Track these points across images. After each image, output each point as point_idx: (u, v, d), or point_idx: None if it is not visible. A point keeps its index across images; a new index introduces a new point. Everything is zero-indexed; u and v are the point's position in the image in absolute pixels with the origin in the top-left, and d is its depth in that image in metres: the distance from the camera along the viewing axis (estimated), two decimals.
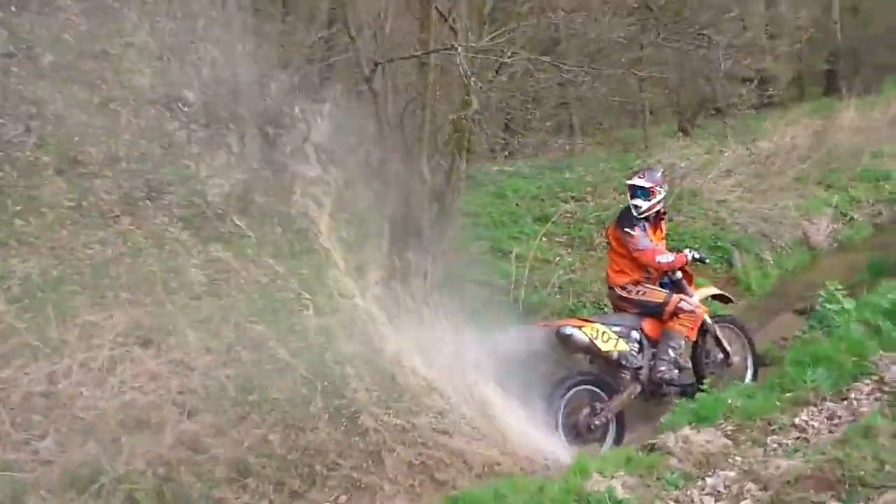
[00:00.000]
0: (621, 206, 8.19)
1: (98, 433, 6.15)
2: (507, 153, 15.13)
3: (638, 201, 7.38)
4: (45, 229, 9.04)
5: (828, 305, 7.73)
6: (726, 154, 13.58)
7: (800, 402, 6.21)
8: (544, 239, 10.73)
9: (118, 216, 9.78)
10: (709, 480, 5.27)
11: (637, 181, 7.45)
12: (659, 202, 7.51)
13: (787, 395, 6.35)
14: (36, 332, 7.15)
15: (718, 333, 7.77)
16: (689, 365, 7.65)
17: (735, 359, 7.86)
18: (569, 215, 11.53)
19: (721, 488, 5.08)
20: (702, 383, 7.15)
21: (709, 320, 7.70)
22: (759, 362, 8.02)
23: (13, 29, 10.79)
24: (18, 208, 9.09)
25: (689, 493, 5.14)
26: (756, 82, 15.41)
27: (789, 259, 11.97)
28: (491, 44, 7.94)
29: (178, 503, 5.86)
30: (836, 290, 7.83)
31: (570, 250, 10.43)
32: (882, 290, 7.88)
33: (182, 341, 7.38)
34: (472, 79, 7.07)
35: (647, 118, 16.54)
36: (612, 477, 5.27)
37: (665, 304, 7.31)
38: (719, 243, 11.28)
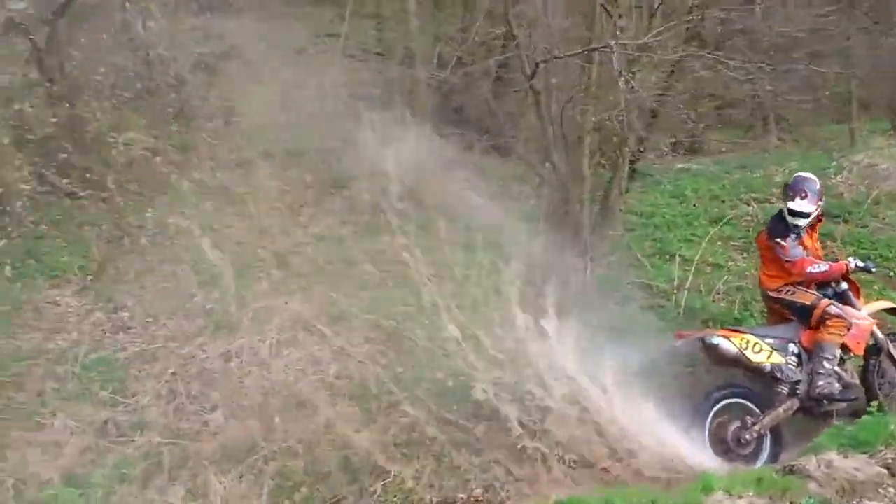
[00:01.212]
0: None
1: (259, 411, 6.79)
2: (687, 150, 14.80)
3: (798, 220, 7.04)
4: (236, 217, 10.07)
5: None
6: None
7: None
8: (718, 242, 10.43)
9: (301, 206, 10.73)
10: None
11: (799, 206, 6.94)
12: (817, 214, 7.19)
13: None
14: (218, 313, 8.15)
15: (893, 350, 7.16)
16: (857, 381, 7.28)
17: None
18: (748, 218, 11.11)
19: None
20: (871, 404, 6.64)
21: (880, 335, 7.09)
22: None
23: (217, 31, 11.97)
24: (213, 199, 10.21)
25: None
26: None
27: None
28: (651, 40, 7.68)
29: (322, 483, 6.31)
30: None
31: (744, 255, 10.04)
32: None
33: (345, 329, 7.94)
34: (622, 78, 7.02)
35: (855, 113, 15.53)
36: (739, 497, 5.07)
37: (813, 307, 6.87)
38: None
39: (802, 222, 6.95)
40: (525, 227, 9.17)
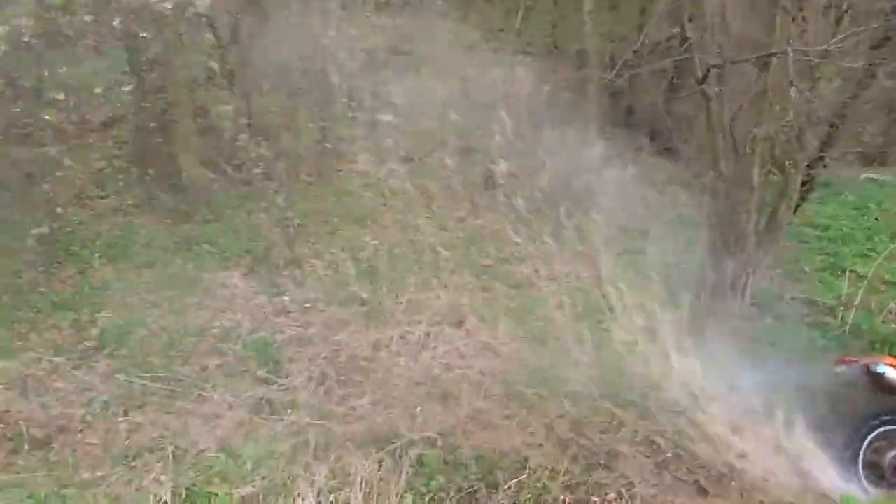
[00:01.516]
0: None
1: (403, 400, 6.88)
2: (875, 161, 13.87)
3: None
4: (396, 210, 10.27)
5: None
6: None
7: None
8: None
9: (461, 202, 10.79)
10: None
11: None
12: None
13: None
14: (372, 303, 8.32)
15: None
16: None
17: None
18: None
19: None
20: None
21: None
22: None
23: (389, 26, 12.19)
24: (375, 190, 10.44)
25: None
26: None
27: None
28: (833, 46, 7.08)
29: (458, 474, 6.23)
30: None
31: None
32: None
33: (493, 326, 7.97)
34: (794, 87, 6.60)
35: None
36: None
37: None
38: None
39: None
40: (687, 234, 8.95)
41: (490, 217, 10.31)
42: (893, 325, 8.41)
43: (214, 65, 9.14)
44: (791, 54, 6.81)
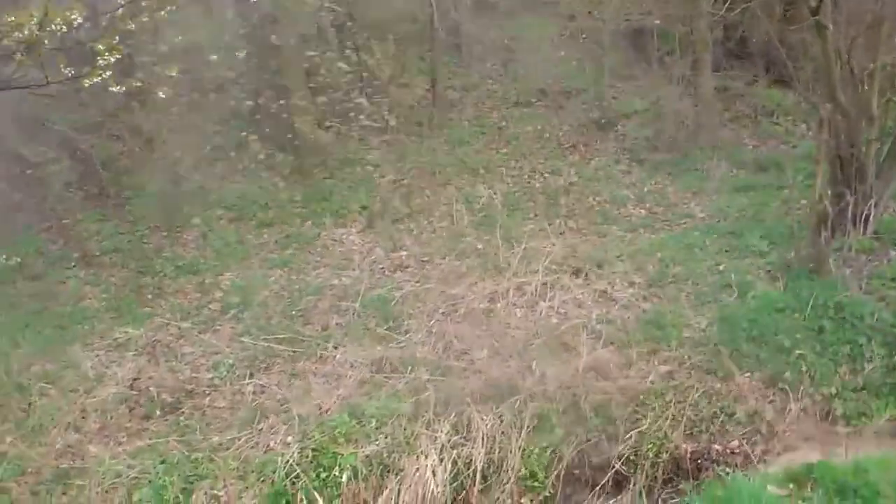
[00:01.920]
0: None
1: (521, 352, 6.65)
2: None
3: None
4: (509, 158, 9.93)
5: None
6: None
7: None
8: None
9: (573, 146, 10.37)
10: None
11: None
12: None
13: None
14: (488, 254, 8.04)
15: None
16: None
17: None
18: None
19: None
20: None
21: None
22: None
23: None
24: (488, 139, 10.12)
25: None
26: None
27: None
28: None
29: (578, 425, 6.07)
30: None
31: None
32: None
33: (609, 273, 7.60)
34: None
35: None
36: None
37: None
38: None
39: None
40: (805, 167, 8.48)
41: (604, 159, 9.88)
42: None
43: (326, 20, 8.88)
44: None
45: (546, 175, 9.54)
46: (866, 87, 7.43)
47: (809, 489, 4.48)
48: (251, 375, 6.40)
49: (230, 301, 7.30)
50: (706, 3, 10.35)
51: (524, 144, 9.99)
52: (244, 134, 8.71)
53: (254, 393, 6.23)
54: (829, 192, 7.51)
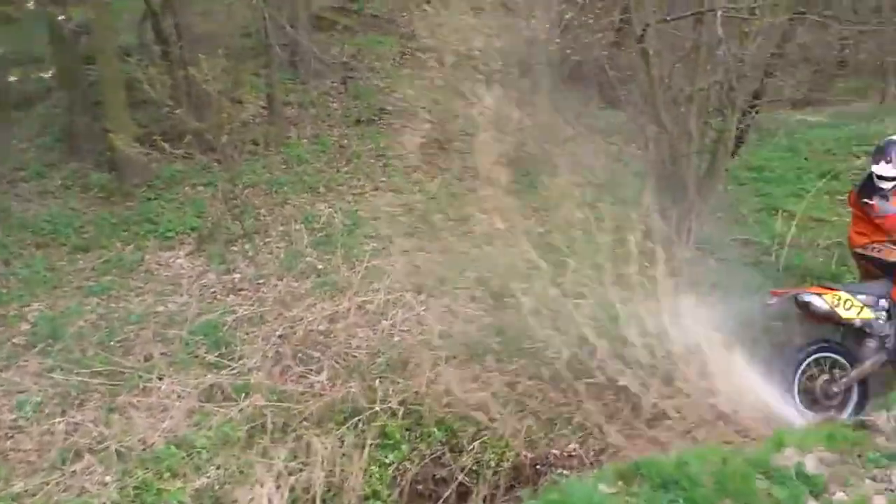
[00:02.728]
0: None
1: (363, 372, 6.47)
2: (806, 103, 13.89)
3: (882, 184, 6.53)
4: (351, 176, 9.73)
5: None
6: None
7: None
8: (826, 196, 9.56)
9: (416, 165, 10.32)
10: None
11: (880, 170, 6.52)
12: None
13: None
14: (328, 273, 7.82)
15: None
16: None
17: None
18: (856, 172, 10.13)
19: None
20: None
21: None
22: None
23: None
24: (329, 157, 9.91)
25: (888, 473, 4.61)
26: None
27: None
28: (755, 4, 7.22)
29: (422, 441, 6.03)
30: None
31: (850, 210, 9.21)
32: None
33: (451, 289, 7.55)
34: (721, 47, 6.52)
35: None
36: (809, 452, 4.80)
37: None
38: None
39: (887, 185, 6.61)
40: (634, 183, 8.70)
41: (447, 178, 9.87)
42: (821, 260, 8.41)
43: (148, 32, 8.46)
44: (720, 12, 6.88)
45: (388, 194, 9.42)
46: (685, 110, 7.84)
47: (637, 485, 4.49)
48: (63, 413, 5.85)
49: (38, 333, 6.70)
50: (543, 27, 10.68)
51: (366, 163, 9.84)
52: (54, 152, 8.14)
53: (66, 432, 5.68)
54: (656, 207, 7.88)
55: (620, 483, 4.51)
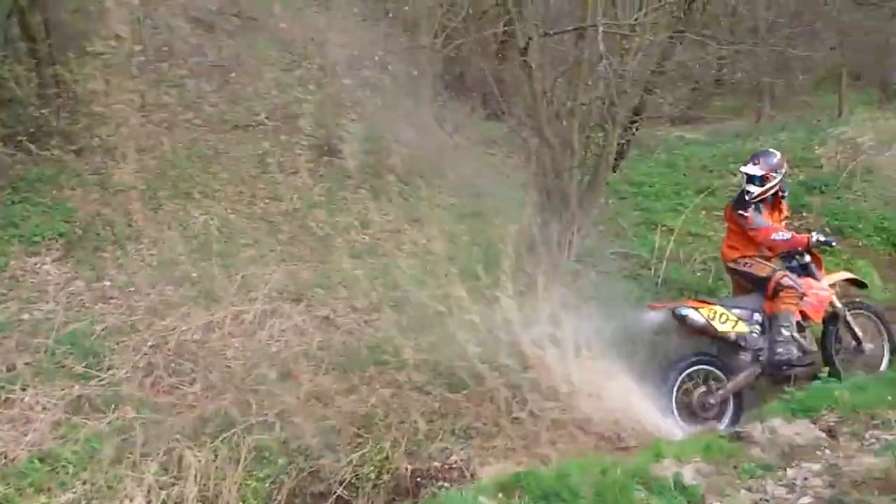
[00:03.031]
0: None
1: (239, 383, 6.39)
2: (684, 120, 14.52)
3: (751, 187, 7.05)
4: (227, 183, 9.57)
5: None
6: None
7: None
8: (703, 212, 10.13)
9: (296, 172, 10.23)
10: (789, 472, 4.95)
11: (750, 169, 7.07)
12: (774, 186, 7.10)
13: None
14: (203, 282, 7.67)
15: (850, 319, 7.27)
16: (815, 348, 7.17)
17: (869, 346, 7.28)
18: (733, 188, 10.76)
19: (798, 481, 4.79)
20: (822, 371, 6.81)
21: (838, 304, 7.25)
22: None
23: None
24: (205, 162, 9.70)
25: (763, 483, 4.85)
26: None
27: None
28: (639, 21, 7.53)
29: (299, 454, 5.99)
30: None
31: (726, 225, 9.76)
32: None
33: (331, 298, 7.56)
34: (605, 60, 6.75)
35: (843, 87, 15.05)
36: (687, 462, 5.03)
37: (768, 278, 6.96)
38: (886, 224, 10.01)
39: (753, 189, 7.06)
40: (517, 196, 8.85)
41: (328, 186, 9.84)
42: (699, 274, 8.81)
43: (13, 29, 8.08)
44: (602, 28, 7.06)
45: (267, 200, 9.31)
46: (568, 124, 8.01)
47: (517, 497, 4.60)
48: None
49: None
50: (426, 37, 10.82)
51: (244, 169, 9.69)
52: None
53: None
54: (538, 219, 8.07)
55: (501, 495, 4.61)
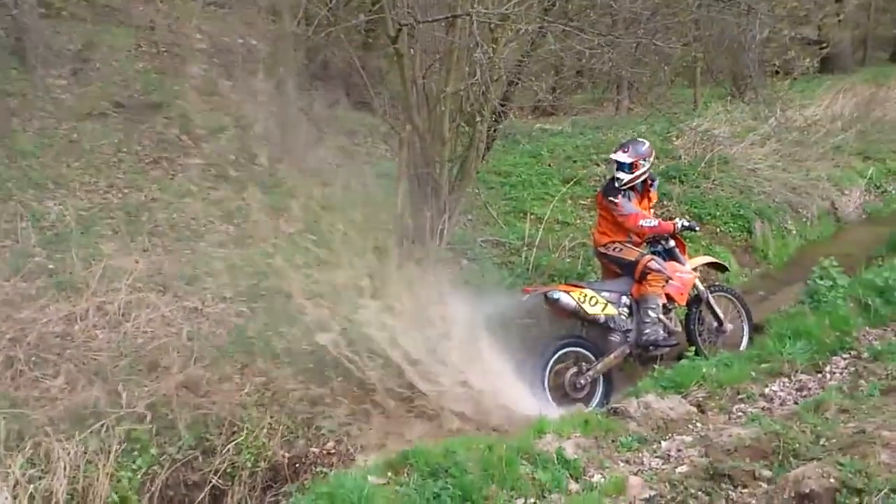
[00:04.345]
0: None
1: (106, 375, 6.39)
2: (546, 112, 15.03)
3: (620, 174, 7.50)
4: (83, 172, 9.39)
5: (819, 281, 7.48)
6: (770, 121, 13.16)
7: (773, 374, 6.27)
8: (568, 201, 10.70)
9: (156, 161, 10.13)
10: (664, 444, 5.27)
11: (619, 156, 7.52)
12: (643, 174, 7.58)
13: (763, 366, 6.39)
14: (61, 273, 7.55)
15: (712, 301, 7.75)
16: (680, 329, 7.70)
17: (729, 326, 7.79)
18: (597, 178, 11.36)
19: (672, 452, 5.16)
20: (688, 350, 7.34)
21: (701, 287, 7.73)
22: (756, 331, 8.00)
23: None
24: (58, 151, 9.48)
25: (640, 455, 5.17)
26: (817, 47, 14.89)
27: (813, 230, 11.46)
28: (511, 11, 7.66)
29: (172, 444, 6.08)
30: (832, 265, 7.61)
31: (591, 213, 10.19)
32: (883, 268, 7.86)
33: (199, 289, 7.60)
34: (479, 48, 6.99)
35: (698, 81, 16.07)
36: (568, 438, 5.34)
37: (636, 262, 7.36)
38: (741, 211, 10.80)
39: (622, 176, 7.45)
40: (387, 184, 9.11)
41: (189, 175, 9.78)
42: (568, 261, 9.24)
43: None
44: (475, 17, 7.15)
45: (125, 191, 9.21)
46: (439, 112, 8.20)
47: (406, 475, 4.82)
48: None
49: None
50: (289, 23, 10.87)
51: (99, 158, 9.55)
52: None
53: None
54: (409, 207, 8.32)
55: (390, 474, 4.83)
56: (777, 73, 14.07)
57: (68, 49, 10.80)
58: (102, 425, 5.96)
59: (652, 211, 7.84)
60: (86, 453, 5.77)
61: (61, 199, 8.63)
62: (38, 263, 7.52)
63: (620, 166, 7.47)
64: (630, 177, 7.46)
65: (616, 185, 7.47)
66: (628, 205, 7.42)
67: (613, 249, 7.51)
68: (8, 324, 6.63)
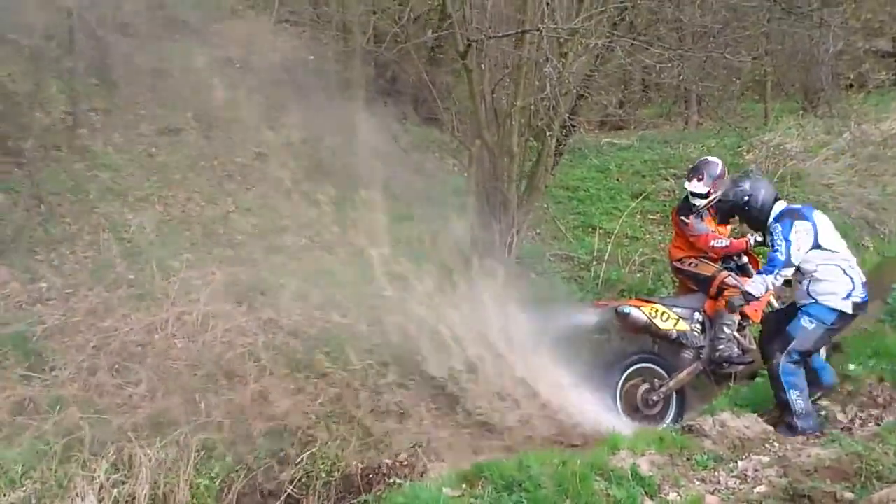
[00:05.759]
0: None
1: (184, 384, 6.55)
2: (614, 126, 14.93)
3: (696, 201, 7.32)
4: (161, 185, 9.66)
5: None
6: (844, 135, 12.90)
7: (853, 394, 6.10)
8: (637, 215, 10.61)
9: (230, 175, 10.36)
10: (740, 464, 5.18)
11: (694, 186, 7.26)
12: (718, 195, 7.33)
13: (842, 386, 6.21)
14: (141, 284, 7.77)
15: None
16: (754, 346, 7.22)
17: None
18: (666, 193, 11.27)
19: (749, 472, 5.07)
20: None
21: (776, 304, 7.47)
22: (834, 350, 7.80)
23: None
24: (137, 165, 9.76)
25: (716, 474, 5.14)
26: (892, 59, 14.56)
27: (891, 246, 10.96)
28: (580, 25, 7.71)
29: (249, 453, 6.17)
30: None
31: (661, 228, 10.17)
32: None
33: (274, 300, 7.73)
34: (549, 62, 6.99)
35: (769, 95, 15.82)
36: (642, 454, 5.20)
37: (713, 278, 7.20)
38: None
39: (699, 202, 7.26)
40: (456, 200, 9.18)
41: (260, 189, 9.98)
42: (638, 275, 9.15)
43: None
44: (544, 32, 7.19)
45: (202, 204, 9.41)
46: (508, 127, 8.24)
47: (480, 488, 4.80)
48: None
49: None
50: (359, 40, 11.05)
51: (177, 172, 9.78)
52: None
53: None
54: (479, 221, 8.33)
55: (464, 486, 4.82)
56: (851, 86, 13.79)
57: (147, 66, 11.07)
58: (181, 433, 6.09)
59: (730, 228, 7.69)
60: (166, 460, 5.90)
61: (141, 212, 8.89)
62: (119, 274, 7.72)
63: (693, 195, 7.29)
64: (705, 202, 7.29)
65: (692, 206, 7.34)
66: (700, 225, 7.29)
67: (689, 264, 7.37)
68: (91, 332, 6.85)
